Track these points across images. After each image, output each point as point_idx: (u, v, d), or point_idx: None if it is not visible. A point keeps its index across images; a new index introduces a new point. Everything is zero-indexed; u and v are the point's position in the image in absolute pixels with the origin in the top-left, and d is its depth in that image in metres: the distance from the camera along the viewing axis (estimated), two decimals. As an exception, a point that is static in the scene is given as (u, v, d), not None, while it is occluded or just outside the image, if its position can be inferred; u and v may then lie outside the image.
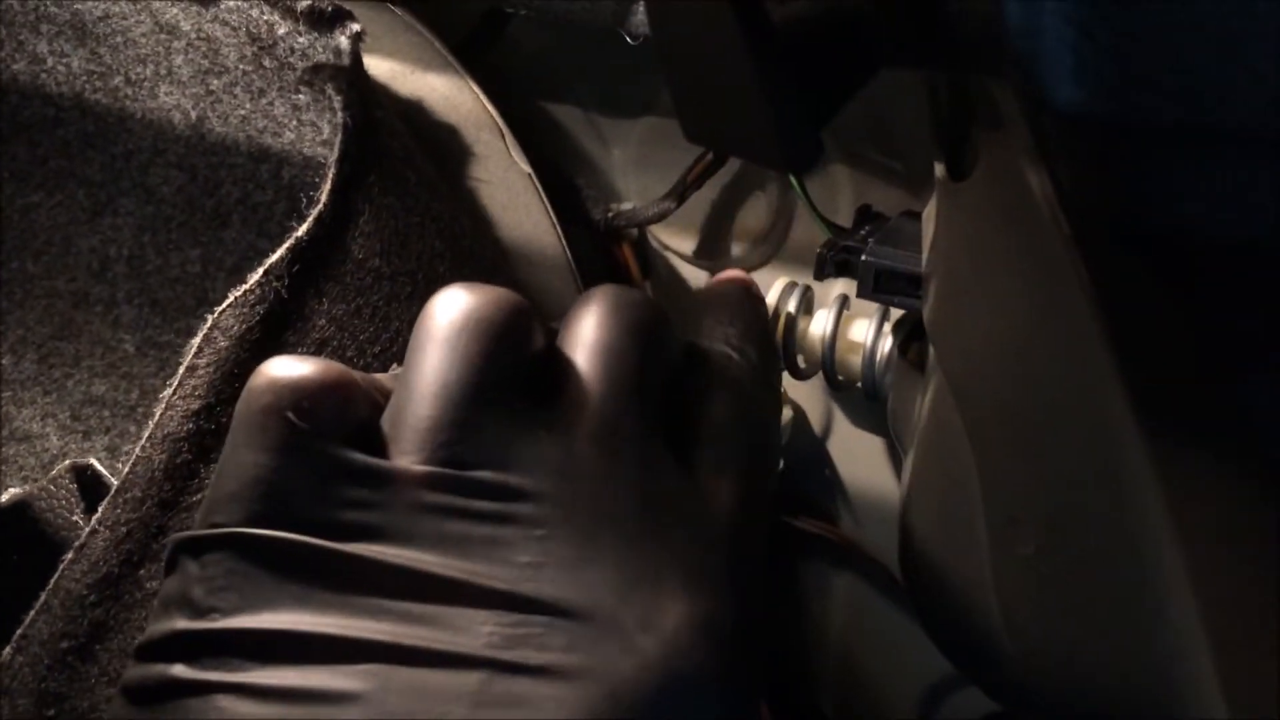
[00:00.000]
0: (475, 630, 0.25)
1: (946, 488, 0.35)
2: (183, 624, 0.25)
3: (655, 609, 0.26)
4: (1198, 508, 0.26)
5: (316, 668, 0.24)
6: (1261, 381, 0.23)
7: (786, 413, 0.48)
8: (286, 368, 0.27)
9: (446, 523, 0.26)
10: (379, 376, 0.29)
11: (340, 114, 0.35)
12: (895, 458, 0.47)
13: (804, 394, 0.48)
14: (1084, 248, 0.25)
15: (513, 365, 0.27)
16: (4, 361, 0.46)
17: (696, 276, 0.49)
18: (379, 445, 0.27)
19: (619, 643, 0.25)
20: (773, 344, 0.35)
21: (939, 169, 0.31)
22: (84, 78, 0.48)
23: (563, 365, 0.28)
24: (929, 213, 0.35)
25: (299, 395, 0.26)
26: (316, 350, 0.34)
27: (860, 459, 0.48)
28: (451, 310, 0.27)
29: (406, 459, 0.26)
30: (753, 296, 0.35)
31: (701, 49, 0.25)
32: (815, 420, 0.49)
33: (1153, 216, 0.21)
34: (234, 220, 0.46)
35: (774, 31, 0.24)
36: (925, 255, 0.35)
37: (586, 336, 0.29)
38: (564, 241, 0.44)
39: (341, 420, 0.27)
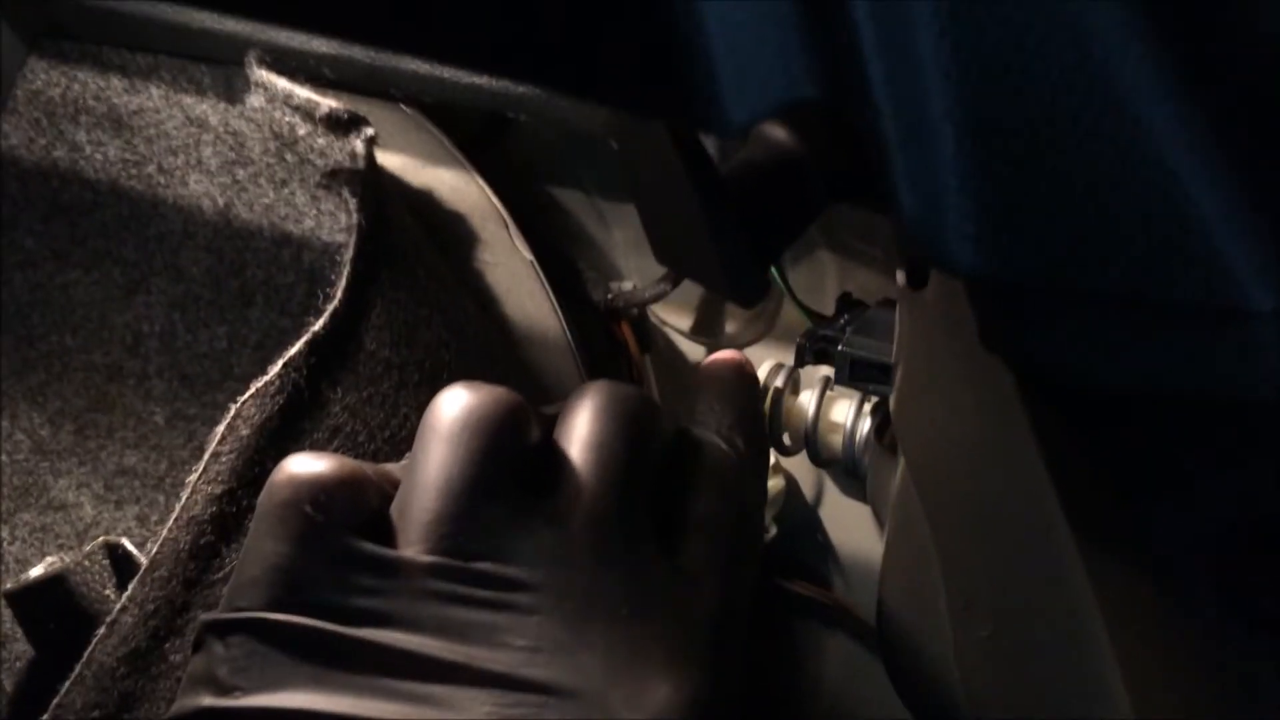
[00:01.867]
0: (475, 709, 0.27)
1: (914, 567, 0.38)
2: (209, 700, 0.28)
3: (641, 689, 0.28)
4: (1126, 612, 0.29)
5: None
6: (1165, 509, 0.25)
7: (779, 482, 0.51)
8: (305, 465, 0.29)
9: (449, 609, 0.28)
10: (389, 467, 0.32)
11: (355, 215, 0.38)
12: (878, 524, 0.49)
13: (796, 463, 0.50)
14: (1014, 378, 0.27)
15: (511, 459, 0.30)
16: (43, 433, 0.49)
17: (694, 351, 0.52)
18: (388, 534, 0.30)
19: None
20: (761, 431, 0.37)
21: (900, 275, 0.34)
22: (119, 165, 0.51)
23: (559, 458, 0.31)
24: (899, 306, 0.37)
25: (315, 490, 0.29)
26: (330, 436, 0.36)
27: (850, 526, 0.51)
28: (453, 409, 0.30)
29: (412, 549, 0.29)
30: (745, 377, 0.37)
31: (661, 190, 0.28)
32: (807, 488, 0.51)
33: (1050, 367, 0.24)
34: (258, 300, 0.49)
35: (720, 181, 0.27)
36: (894, 347, 0.38)
37: (580, 431, 0.31)
38: (564, 323, 0.47)
39: (353, 512, 0.29)
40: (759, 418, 0.37)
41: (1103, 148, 0.21)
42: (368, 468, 0.31)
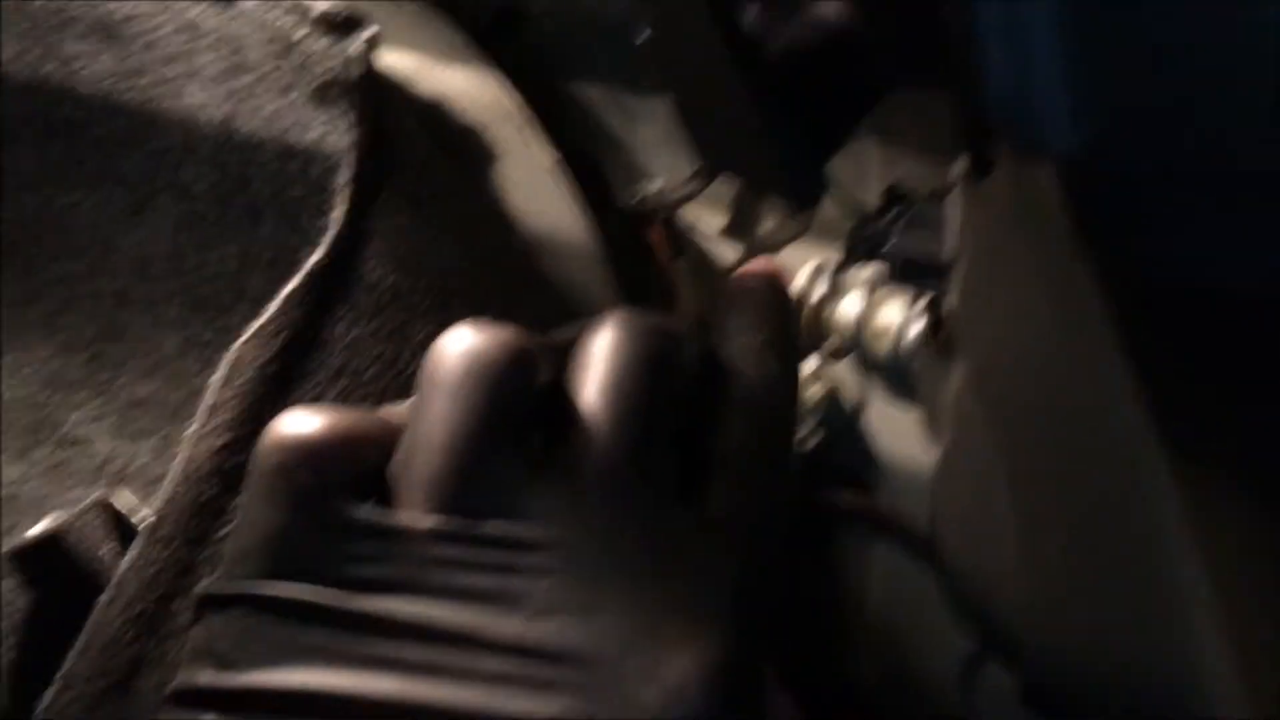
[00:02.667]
0: (482, 680, 0.25)
1: (974, 478, 0.35)
2: (209, 676, 0.26)
3: (658, 659, 0.26)
4: (1215, 523, 0.26)
5: None
6: (1273, 417, 0.22)
7: (820, 388, 0.48)
8: (295, 425, 0.27)
9: (455, 573, 0.26)
10: (394, 411, 0.30)
11: (351, 133, 0.35)
12: (929, 431, 0.47)
13: (838, 370, 0.47)
14: (1101, 276, 0.24)
15: (517, 409, 0.28)
16: (55, 365, 0.47)
17: (727, 255, 0.49)
18: (390, 492, 0.27)
19: (621, 696, 0.25)
20: (794, 352, 0.34)
21: (961, 164, 0.31)
22: (113, 78, 0.48)
23: (570, 402, 0.28)
24: (955, 198, 0.34)
25: (307, 453, 0.27)
26: (335, 376, 0.34)
27: (894, 433, 0.48)
28: (454, 356, 0.28)
29: (415, 510, 0.27)
30: (778, 291, 0.34)
31: (701, 80, 0.25)
32: (850, 396, 0.48)
33: (1155, 263, 0.21)
34: (267, 217, 0.46)
35: (767, 64, 0.23)
36: (951, 243, 0.35)
37: (594, 373, 0.29)
38: (591, 230, 0.44)
39: (350, 473, 0.27)
40: (793, 336, 0.34)
41: (1232, 10, 0.18)
42: (367, 417, 0.28)
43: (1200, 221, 0.19)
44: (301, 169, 0.45)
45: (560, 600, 0.26)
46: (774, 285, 0.33)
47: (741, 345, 0.32)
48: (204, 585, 0.27)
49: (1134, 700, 0.32)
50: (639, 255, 0.47)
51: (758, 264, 0.34)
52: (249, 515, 0.27)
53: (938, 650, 0.52)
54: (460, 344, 0.28)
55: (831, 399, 0.49)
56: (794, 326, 0.35)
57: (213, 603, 0.27)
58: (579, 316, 0.42)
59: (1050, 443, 0.31)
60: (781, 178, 0.23)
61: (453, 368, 0.28)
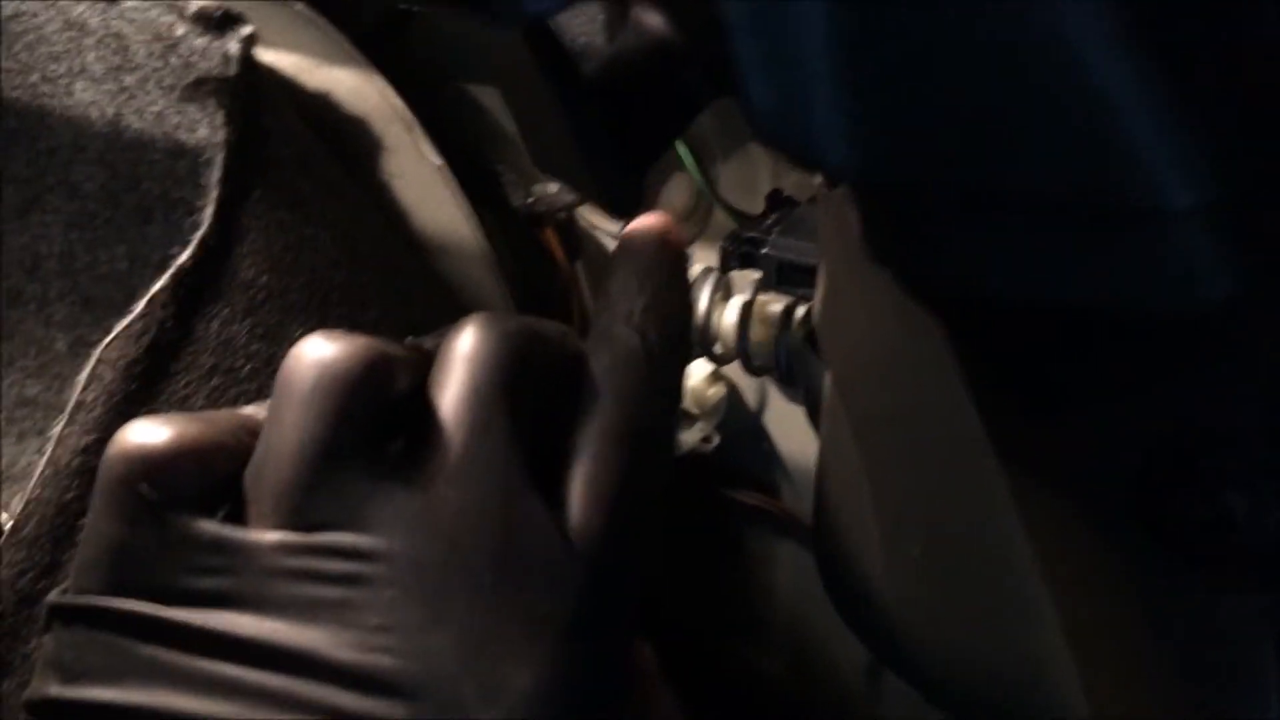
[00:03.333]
0: (319, 709, 0.25)
1: (846, 482, 0.35)
2: (55, 689, 0.26)
3: (500, 678, 0.26)
4: (1050, 533, 0.27)
5: None
6: (1084, 427, 0.23)
7: (720, 389, 0.48)
8: (140, 435, 0.27)
9: (299, 586, 0.26)
10: (254, 414, 0.29)
11: (221, 131, 0.35)
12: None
13: (737, 371, 0.48)
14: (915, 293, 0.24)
15: (368, 419, 0.27)
16: (-61, 365, 0.46)
17: (626, 254, 0.49)
18: (241, 501, 0.27)
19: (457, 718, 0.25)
20: (681, 316, 0.31)
21: (818, 174, 0.31)
22: (2, 76, 0.47)
23: (428, 410, 0.28)
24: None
25: (150, 465, 0.27)
26: (207, 374, 0.34)
27: (795, 432, 0.49)
28: (307, 367, 0.27)
29: (264, 523, 0.27)
30: (665, 249, 0.31)
31: (524, 89, 0.25)
32: (749, 396, 0.49)
33: (940, 277, 0.21)
34: (156, 216, 0.46)
35: (578, 77, 0.23)
36: (818, 250, 0.35)
37: (450, 380, 0.28)
38: (480, 232, 0.44)
39: (195, 486, 0.27)
40: (680, 298, 0.32)
41: (1004, 28, 0.18)
42: (221, 425, 0.28)
43: (968, 234, 0.20)
44: (190, 168, 0.45)
45: (400, 614, 0.26)
46: (662, 241, 0.31)
47: (622, 307, 0.30)
48: (53, 595, 0.27)
49: (991, 691, 0.32)
50: (539, 257, 0.47)
51: (647, 219, 0.31)
52: (93, 525, 0.27)
53: (844, 645, 0.52)
54: (313, 354, 0.27)
55: (731, 400, 0.49)
56: (683, 286, 0.32)
57: (58, 614, 0.27)
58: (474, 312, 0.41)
59: (904, 448, 0.31)
60: (595, 186, 0.23)
61: (304, 378, 0.27)
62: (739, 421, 0.49)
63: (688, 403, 0.48)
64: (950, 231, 0.20)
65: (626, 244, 0.31)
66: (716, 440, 0.49)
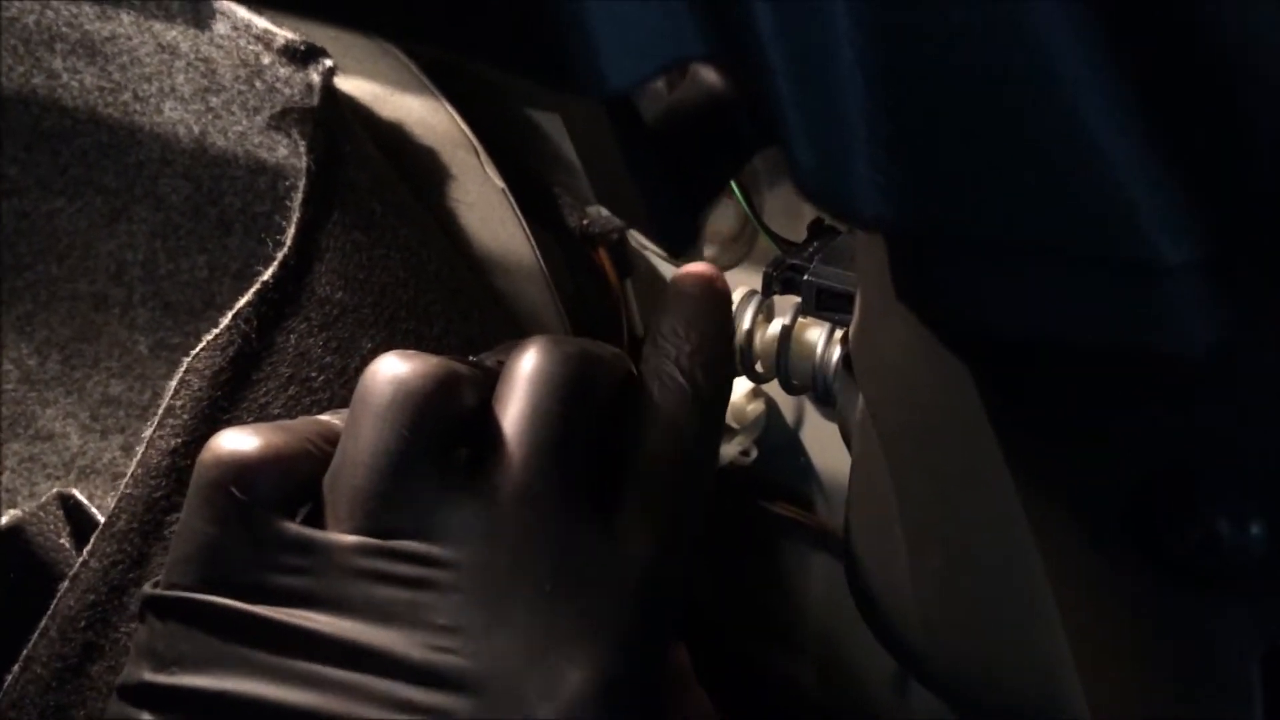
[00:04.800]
0: (391, 703, 0.28)
1: (874, 498, 0.38)
2: (148, 675, 0.29)
3: (557, 676, 0.28)
4: (1059, 555, 0.29)
5: None
6: (1085, 456, 0.25)
7: (759, 405, 0.51)
8: (232, 442, 0.30)
9: (373, 587, 0.28)
10: (333, 422, 0.32)
11: (305, 158, 0.38)
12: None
13: (777, 388, 0.50)
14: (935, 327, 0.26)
15: (440, 433, 0.30)
16: (31, 363, 0.50)
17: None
18: (320, 506, 0.30)
19: (517, 713, 0.28)
20: (725, 360, 0.34)
21: None
22: (96, 92, 0.51)
23: (493, 426, 0.31)
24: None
25: (241, 470, 0.29)
26: (285, 384, 0.37)
27: (831, 448, 0.51)
28: (384, 383, 0.30)
29: (340, 526, 0.29)
30: (714, 296, 0.34)
31: (586, 131, 0.27)
32: (788, 411, 0.51)
33: (956, 318, 0.23)
34: (236, 228, 0.49)
35: (640, 122, 0.26)
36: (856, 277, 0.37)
37: (515, 398, 0.31)
38: (537, 252, 0.46)
39: (280, 490, 0.29)
40: (724, 344, 0.35)
41: (1018, 95, 0.20)
42: (303, 432, 0.31)
43: (982, 279, 0.22)
44: (270, 184, 0.48)
45: (467, 616, 0.28)
46: (709, 289, 0.34)
47: (671, 349, 0.33)
48: (147, 588, 0.30)
49: (1008, 697, 0.34)
50: (590, 277, 0.49)
51: (696, 267, 0.35)
52: (187, 526, 0.29)
53: (871, 656, 0.54)
54: (389, 370, 0.30)
55: (770, 416, 0.51)
56: (727, 332, 0.35)
57: (153, 605, 0.29)
58: (528, 332, 0.44)
59: (929, 467, 0.33)
60: (653, 226, 0.25)
61: (380, 393, 0.30)
62: (777, 436, 0.51)
63: (728, 418, 0.50)
64: (963, 275, 0.22)
65: (676, 289, 0.34)
66: (755, 454, 0.51)
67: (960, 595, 0.34)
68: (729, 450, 0.51)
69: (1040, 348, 0.23)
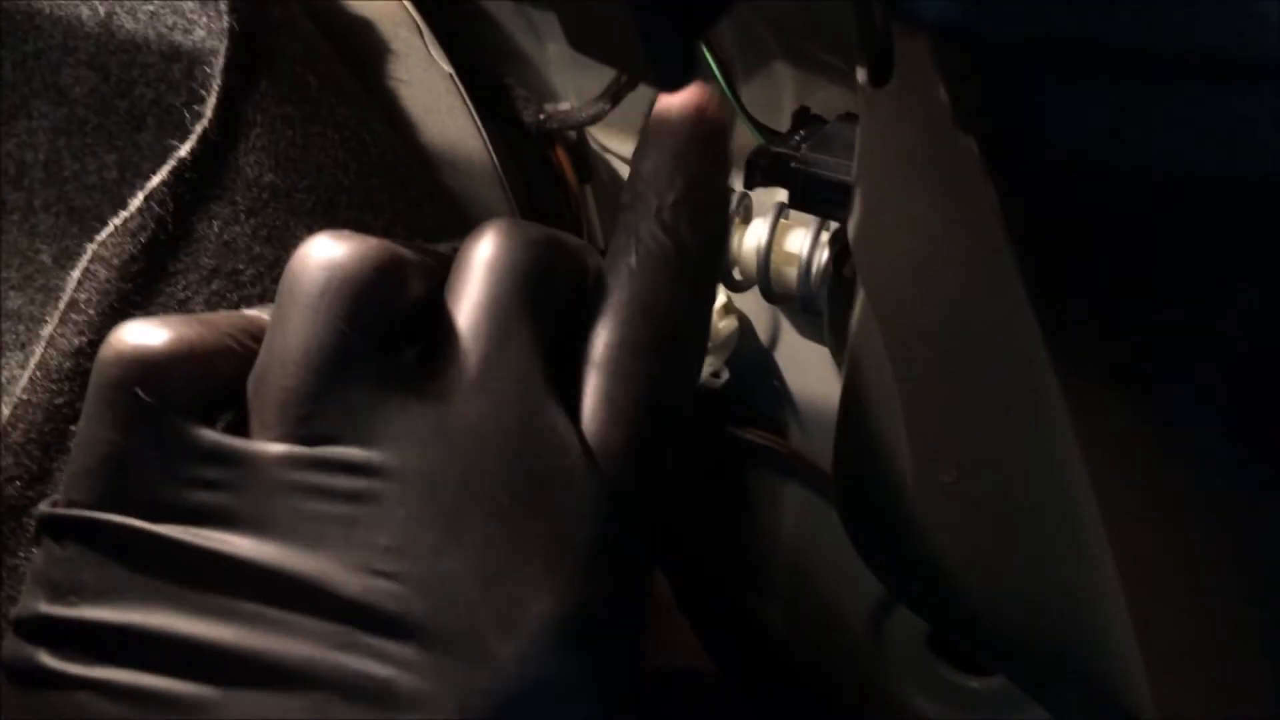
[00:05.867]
0: (322, 641, 0.24)
1: (873, 410, 0.34)
2: (45, 607, 0.25)
3: (517, 607, 0.24)
4: (1104, 439, 0.25)
5: (165, 673, 0.24)
6: (1169, 318, 0.21)
7: (731, 322, 0.47)
8: (137, 336, 0.25)
9: (304, 502, 0.24)
10: (258, 315, 0.27)
11: (225, 18, 0.33)
12: (836, 365, 0.46)
13: (750, 304, 0.46)
14: (991, 168, 0.23)
15: (381, 326, 0.26)
16: (-83, 274, 0.44)
17: (638, 178, 0.47)
18: (243, 410, 0.25)
19: (471, 652, 0.24)
20: (718, 204, 0.29)
21: (860, 73, 0.29)
22: (-14, -28, 0.45)
23: (444, 319, 0.26)
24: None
25: (147, 368, 0.25)
26: (209, 276, 0.32)
27: (807, 369, 0.47)
28: (314, 268, 0.25)
29: (266, 434, 0.25)
30: (706, 127, 0.28)
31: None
32: (761, 330, 0.47)
33: (1037, 141, 0.20)
34: (149, 123, 0.44)
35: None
36: (854, 164, 0.33)
37: (470, 288, 0.26)
38: (490, 146, 0.42)
39: (195, 391, 0.25)
40: (718, 189, 0.29)
41: None
42: (221, 326, 0.26)
43: (1071, 93, 0.18)
44: (185, 71, 0.43)
45: (414, 534, 0.24)
46: (699, 120, 0.28)
47: (652, 198, 0.28)
48: (43, 506, 0.26)
49: (1031, 629, 0.31)
50: (546, 177, 0.45)
51: (682, 94, 0.28)
52: (86, 433, 0.25)
53: (847, 594, 0.51)
54: (320, 254, 0.26)
55: (742, 334, 0.47)
56: (721, 173, 0.29)
57: (50, 526, 0.25)
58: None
59: (944, 370, 0.29)
60: (645, 54, 0.21)
61: (311, 280, 0.25)
62: (748, 357, 0.47)
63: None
64: (1049, 90, 0.18)
65: (659, 122, 0.28)
66: (726, 376, 0.47)
67: (979, 514, 0.30)
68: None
69: (1130, 200, 0.19)
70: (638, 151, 0.28)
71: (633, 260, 0.27)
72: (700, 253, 0.28)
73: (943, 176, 0.26)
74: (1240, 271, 0.19)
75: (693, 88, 0.28)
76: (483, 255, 0.27)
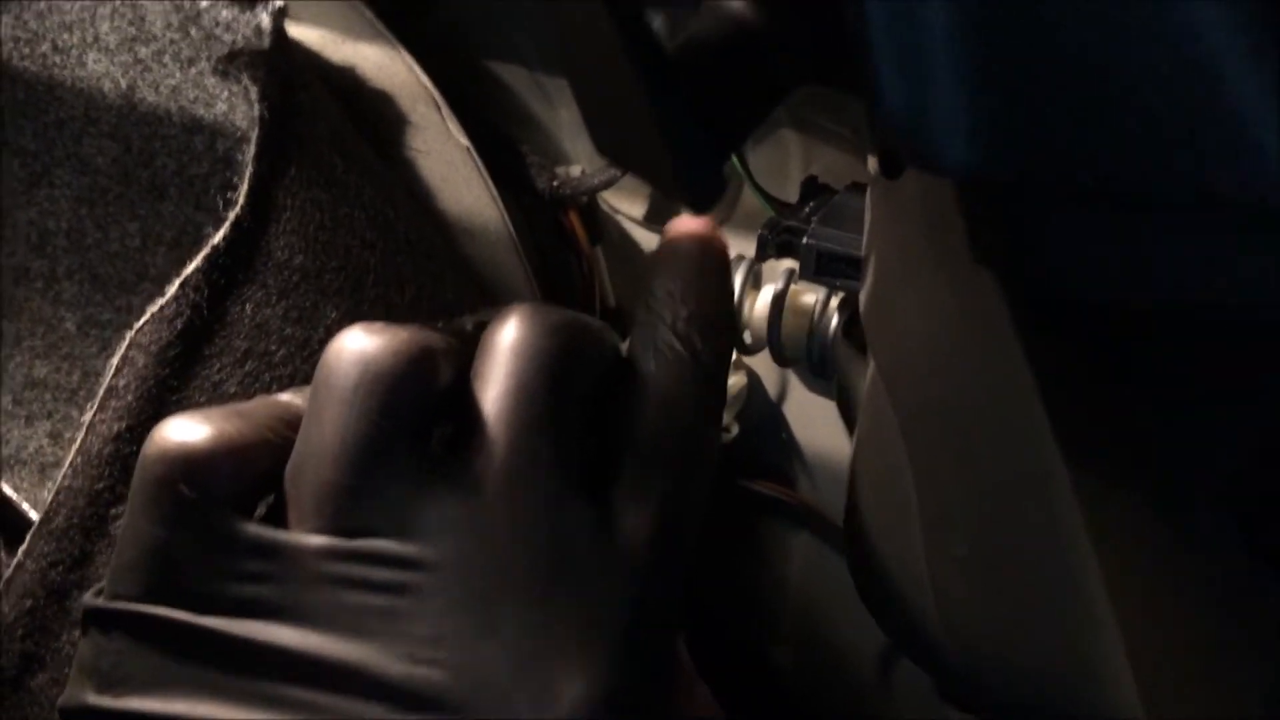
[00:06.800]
0: None
1: (885, 478, 0.35)
2: (93, 698, 0.26)
3: (552, 689, 0.25)
4: (1118, 535, 0.26)
5: None
6: (1174, 431, 0.22)
7: (741, 378, 0.48)
8: (179, 432, 0.26)
9: (344, 594, 0.25)
10: (293, 401, 0.28)
11: (256, 105, 0.34)
12: (846, 425, 0.47)
13: (759, 360, 0.47)
14: (1003, 286, 0.24)
15: (414, 416, 0.27)
16: (-56, 343, 0.45)
17: (649, 240, 0.48)
18: (282, 501, 0.26)
19: None
20: (726, 325, 0.31)
21: (872, 162, 0.30)
22: (10, 44, 0.46)
23: (474, 402, 0.27)
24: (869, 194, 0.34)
25: (190, 464, 0.26)
26: (241, 359, 0.33)
27: (816, 423, 0.48)
28: (349, 362, 0.26)
29: (305, 525, 0.26)
30: (711, 254, 0.31)
31: (597, 69, 0.24)
32: (770, 385, 0.48)
33: (1052, 277, 0.21)
34: (171, 193, 0.45)
35: (665, 58, 0.22)
36: (865, 239, 0.34)
37: (497, 374, 0.27)
38: (505, 214, 0.43)
39: (236, 486, 0.26)
40: (725, 307, 0.31)
41: (1128, 19, 0.18)
42: (262, 415, 0.27)
43: (1085, 234, 0.19)
44: (208, 144, 0.44)
45: (451, 623, 0.25)
46: (706, 246, 0.31)
47: (667, 314, 0.30)
48: (88, 597, 0.26)
49: (1038, 697, 0.32)
50: (559, 241, 0.46)
51: (690, 223, 0.31)
52: (131, 528, 0.26)
53: (856, 641, 0.52)
54: (354, 347, 0.27)
55: (752, 389, 0.48)
56: (727, 293, 0.32)
57: (96, 618, 0.26)
58: (496, 300, 0.41)
59: (955, 444, 0.30)
60: (677, 176, 0.22)
61: (346, 374, 0.26)
62: (758, 411, 0.48)
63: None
64: (1063, 230, 0.20)
65: (669, 248, 0.31)
66: (736, 430, 0.48)
67: (989, 587, 0.31)
68: (709, 426, 0.48)
69: (1160, 314, 0.20)
70: (650, 272, 0.30)
71: (652, 365, 0.29)
72: (712, 361, 0.30)
73: (955, 271, 0.27)
74: (1239, 393, 0.20)
75: (701, 219, 0.31)
76: (507, 340, 0.28)
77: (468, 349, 0.28)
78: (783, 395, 0.48)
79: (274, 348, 0.33)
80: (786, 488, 0.49)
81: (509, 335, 0.28)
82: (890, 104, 0.18)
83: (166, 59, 0.43)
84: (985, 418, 0.29)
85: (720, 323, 0.31)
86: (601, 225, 0.48)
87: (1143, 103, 0.18)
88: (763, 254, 0.39)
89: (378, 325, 0.27)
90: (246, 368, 0.33)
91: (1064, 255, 0.20)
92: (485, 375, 0.27)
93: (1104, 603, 0.27)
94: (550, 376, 0.27)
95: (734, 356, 0.47)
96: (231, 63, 0.36)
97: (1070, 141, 0.19)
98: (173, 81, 0.43)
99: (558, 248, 0.46)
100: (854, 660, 0.52)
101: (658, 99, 0.23)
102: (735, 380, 0.48)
